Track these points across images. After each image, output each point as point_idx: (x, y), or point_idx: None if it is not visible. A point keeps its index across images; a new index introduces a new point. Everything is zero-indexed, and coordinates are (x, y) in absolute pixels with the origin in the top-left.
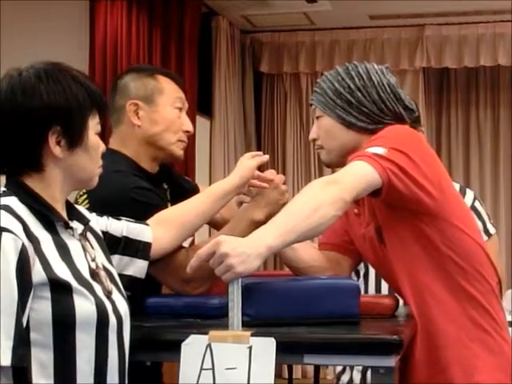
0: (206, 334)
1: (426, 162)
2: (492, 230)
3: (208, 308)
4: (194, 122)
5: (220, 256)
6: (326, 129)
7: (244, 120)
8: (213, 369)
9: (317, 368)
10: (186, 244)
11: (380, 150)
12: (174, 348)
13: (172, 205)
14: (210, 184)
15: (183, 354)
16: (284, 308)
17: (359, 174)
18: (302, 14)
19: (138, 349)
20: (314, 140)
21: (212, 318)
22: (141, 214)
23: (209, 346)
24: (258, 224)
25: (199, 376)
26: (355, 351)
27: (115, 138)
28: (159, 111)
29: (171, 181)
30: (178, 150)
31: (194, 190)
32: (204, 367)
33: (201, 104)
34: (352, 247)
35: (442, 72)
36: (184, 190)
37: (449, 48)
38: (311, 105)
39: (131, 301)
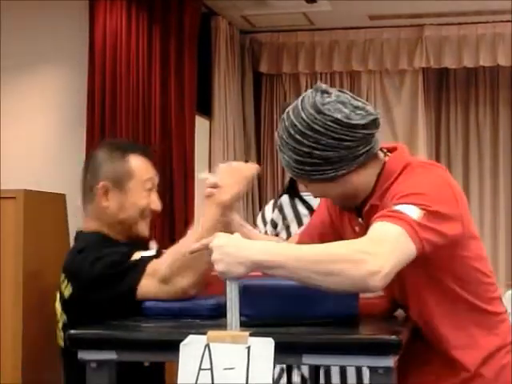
0: (204, 334)
1: (460, 215)
2: None
3: (206, 308)
4: (193, 122)
5: (211, 248)
6: (318, 192)
7: (243, 120)
8: (211, 369)
9: (316, 368)
10: (151, 253)
11: (415, 213)
12: (173, 348)
13: None
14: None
15: (182, 355)
16: (282, 308)
17: (394, 244)
18: (301, 15)
19: (138, 349)
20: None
21: (210, 318)
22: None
23: (207, 346)
24: (225, 205)
25: (198, 376)
26: (354, 351)
27: (87, 213)
28: (128, 197)
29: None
30: (144, 230)
31: None
32: (202, 367)
33: (200, 104)
34: None
35: (441, 72)
36: None
37: (448, 48)
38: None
39: None
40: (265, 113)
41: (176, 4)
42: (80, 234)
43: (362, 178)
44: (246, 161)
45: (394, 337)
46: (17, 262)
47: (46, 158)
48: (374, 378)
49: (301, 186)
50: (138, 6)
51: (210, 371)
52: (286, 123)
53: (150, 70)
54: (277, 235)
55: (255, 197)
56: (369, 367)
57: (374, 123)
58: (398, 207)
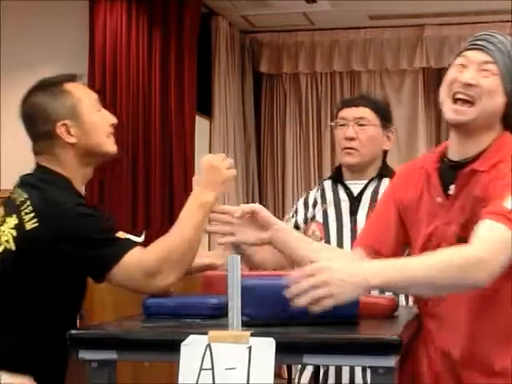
0: (205, 334)
1: None
2: None
3: (207, 308)
4: (193, 122)
5: (321, 282)
6: (488, 89)
7: (243, 120)
8: (212, 369)
9: (316, 368)
10: (138, 239)
11: None
12: (174, 348)
13: None
14: None
15: (183, 354)
16: (283, 308)
17: (507, 248)
18: (301, 15)
19: (138, 349)
20: (471, 85)
21: (211, 318)
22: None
23: (208, 346)
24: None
25: (199, 376)
26: (355, 351)
27: (50, 158)
28: (88, 123)
29: None
30: (112, 146)
31: None
32: (203, 367)
33: (200, 104)
34: (393, 253)
35: (441, 72)
36: None
37: (448, 48)
38: (479, 49)
39: None
40: (265, 113)
41: (176, 4)
42: (47, 171)
43: (497, 185)
44: (246, 161)
45: (394, 337)
46: None
47: None
48: (375, 378)
49: (345, 175)
50: (138, 6)
51: (211, 371)
52: None
53: (150, 70)
54: (313, 218)
55: (255, 197)
56: (369, 367)
57: None
58: (504, 203)
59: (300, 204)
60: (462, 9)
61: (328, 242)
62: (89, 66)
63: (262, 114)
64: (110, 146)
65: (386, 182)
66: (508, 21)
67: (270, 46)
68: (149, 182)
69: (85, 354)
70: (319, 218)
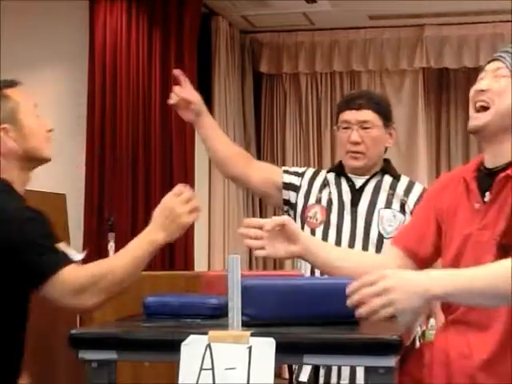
0: (205, 334)
1: None
2: None
3: (207, 308)
4: None
5: (383, 290)
6: (499, 90)
7: (244, 120)
8: (212, 369)
9: (316, 368)
10: (80, 256)
11: None
12: (174, 348)
13: None
14: (209, 187)
15: (183, 354)
16: (283, 308)
17: None
18: (301, 15)
19: (139, 349)
20: (483, 90)
21: (211, 318)
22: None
23: (208, 346)
24: (157, 245)
25: (199, 376)
26: (355, 351)
27: None
28: (25, 126)
29: None
30: (49, 151)
31: None
32: (204, 367)
33: None
34: (427, 259)
35: (441, 72)
36: None
37: (448, 48)
38: (494, 60)
39: None
40: (265, 113)
41: (176, 4)
42: None
43: None
44: None
45: (395, 336)
46: None
47: None
48: (375, 377)
49: (347, 168)
50: (138, 6)
51: (211, 371)
52: None
53: (150, 70)
54: (319, 200)
55: (255, 197)
56: (369, 367)
57: None
58: None
59: (306, 178)
60: (462, 9)
61: (327, 227)
62: (89, 66)
63: (262, 114)
64: (47, 152)
65: (388, 178)
66: (508, 21)
67: (270, 45)
68: (149, 182)
69: (85, 354)
70: (324, 202)
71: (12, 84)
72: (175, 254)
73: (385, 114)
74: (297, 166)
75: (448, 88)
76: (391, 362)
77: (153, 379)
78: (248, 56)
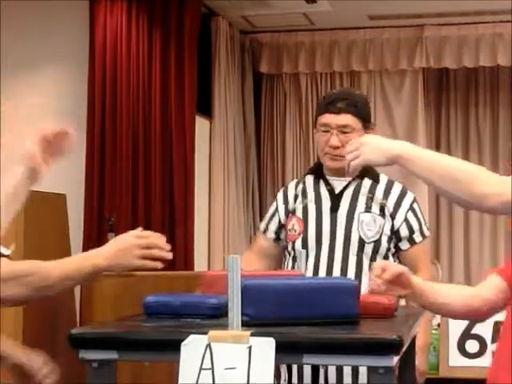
0: (205, 333)
1: None
2: (427, 233)
3: (207, 308)
4: (193, 122)
5: (359, 144)
6: None
7: (244, 120)
8: (212, 369)
9: (316, 368)
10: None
11: None
12: (174, 348)
13: None
14: (209, 187)
15: (183, 354)
16: (283, 308)
17: None
18: (301, 15)
19: (139, 349)
20: None
21: (211, 317)
22: None
23: (208, 345)
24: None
25: (198, 376)
26: (355, 351)
27: None
28: None
29: None
30: None
31: None
32: (203, 367)
33: (200, 104)
34: None
35: (441, 72)
36: None
37: (448, 48)
38: None
39: None
40: (265, 113)
41: (176, 4)
42: None
43: None
44: (246, 161)
45: (394, 336)
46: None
47: None
48: (375, 377)
49: (325, 170)
50: (138, 6)
51: (211, 371)
52: None
53: (150, 71)
54: (294, 212)
55: (255, 197)
56: (369, 367)
57: None
58: None
59: (280, 199)
60: (462, 9)
61: (306, 237)
62: (89, 66)
63: (262, 114)
64: None
65: (367, 181)
66: (508, 21)
67: (270, 46)
68: (149, 182)
69: (85, 354)
70: (299, 213)
71: None
72: (175, 254)
73: (364, 116)
74: (297, 165)
75: (448, 88)
76: (391, 361)
77: (153, 379)
78: (248, 56)
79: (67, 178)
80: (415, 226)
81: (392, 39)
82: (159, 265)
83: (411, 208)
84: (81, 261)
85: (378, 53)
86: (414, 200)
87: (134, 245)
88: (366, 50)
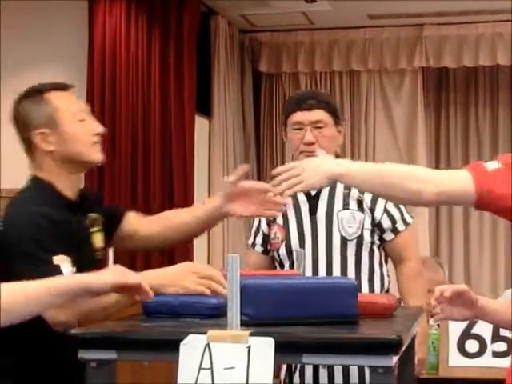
0: (204, 333)
1: None
2: (409, 220)
3: (206, 307)
4: (192, 121)
5: (300, 169)
6: None
7: (243, 120)
8: (211, 368)
9: (315, 368)
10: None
11: (492, 165)
12: (173, 348)
13: (106, 234)
14: (208, 186)
15: (182, 354)
16: (282, 308)
17: (453, 176)
18: (300, 14)
19: (138, 348)
20: None
21: (210, 317)
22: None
23: (207, 345)
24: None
25: (198, 376)
26: (354, 351)
27: (33, 165)
28: (65, 131)
29: (98, 210)
30: (95, 155)
31: (118, 215)
32: (202, 367)
33: (200, 104)
34: None
35: (441, 72)
36: (111, 216)
37: (448, 48)
38: None
39: None
40: (264, 112)
41: (175, 4)
42: (30, 176)
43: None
44: (246, 160)
45: (394, 336)
46: None
47: None
48: (374, 377)
49: None
50: (137, 6)
51: (210, 371)
52: None
53: (150, 70)
54: (274, 220)
55: None
56: (369, 367)
57: None
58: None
59: None
60: (461, 9)
61: (289, 243)
62: (88, 65)
63: (262, 114)
64: (94, 155)
65: None
66: (508, 20)
67: (269, 45)
68: (148, 182)
69: (84, 354)
70: (279, 220)
71: (58, 87)
72: (175, 254)
73: (335, 112)
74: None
75: (447, 87)
76: (391, 361)
77: (152, 379)
78: (247, 55)
79: None
80: (396, 215)
81: (391, 38)
82: (207, 291)
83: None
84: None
85: (378, 52)
86: None
87: (194, 271)
88: (365, 50)
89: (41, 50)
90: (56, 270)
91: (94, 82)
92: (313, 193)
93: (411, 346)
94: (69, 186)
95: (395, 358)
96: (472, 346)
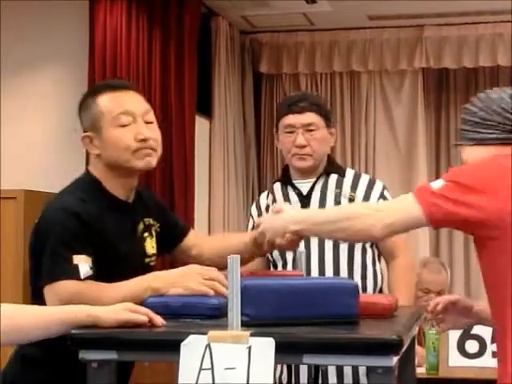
0: (205, 334)
1: (483, 188)
2: None
3: (207, 308)
4: (193, 122)
5: (257, 225)
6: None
7: (243, 120)
8: (212, 369)
9: (316, 368)
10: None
11: (436, 184)
12: (173, 348)
13: (158, 242)
14: (209, 187)
15: (182, 354)
16: (283, 308)
17: (398, 204)
18: (301, 15)
19: (139, 349)
20: None
21: (211, 318)
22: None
23: (208, 346)
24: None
25: (198, 376)
26: (354, 351)
27: (89, 161)
28: (105, 136)
29: (159, 218)
30: (136, 162)
31: (182, 232)
32: (203, 367)
33: (200, 104)
34: None
35: (441, 72)
36: (173, 230)
37: (448, 48)
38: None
39: None
40: (265, 113)
41: (176, 4)
42: (84, 174)
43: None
44: (246, 161)
45: (394, 336)
46: (17, 262)
47: (45, 158)
48: (374, 377)
49: (293, 175)
50: (138, 6)
51: (210, 371)
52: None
53: (150, 71)
54: None
55: (255, 197)
56: (369, 367)
57: None
58: (430, 183)
59: (253, 209)
60: (462, 9)
61: None
62: (89, 65)
63: (262, 115)
64: (134, 162)
65: (333, 177)
66: (508, 21)
67: (269, 46)
68: (149, 183)
69: (85, 354)
70: None
71: (112, 88)
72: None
73: (326, 115)
74: None
75: (448, 88)
76: (391, 361)
77: (153, 379)
78: (248, 56)
79: (67, 178)
80: None
81: (392, 39)
82: (211, 292)
83: (382, 196)
84: (135, 286)
85: (378, 53)
86: (384, 188)
87: (198, 273)
88: (365, 51)
89: (41, 50)
90: (74, 270)
91: (94, 82)
92: (304, 192)
93: (411, 346)
94: (118, 187)
95: (395, 359)
96: (472, 346)
